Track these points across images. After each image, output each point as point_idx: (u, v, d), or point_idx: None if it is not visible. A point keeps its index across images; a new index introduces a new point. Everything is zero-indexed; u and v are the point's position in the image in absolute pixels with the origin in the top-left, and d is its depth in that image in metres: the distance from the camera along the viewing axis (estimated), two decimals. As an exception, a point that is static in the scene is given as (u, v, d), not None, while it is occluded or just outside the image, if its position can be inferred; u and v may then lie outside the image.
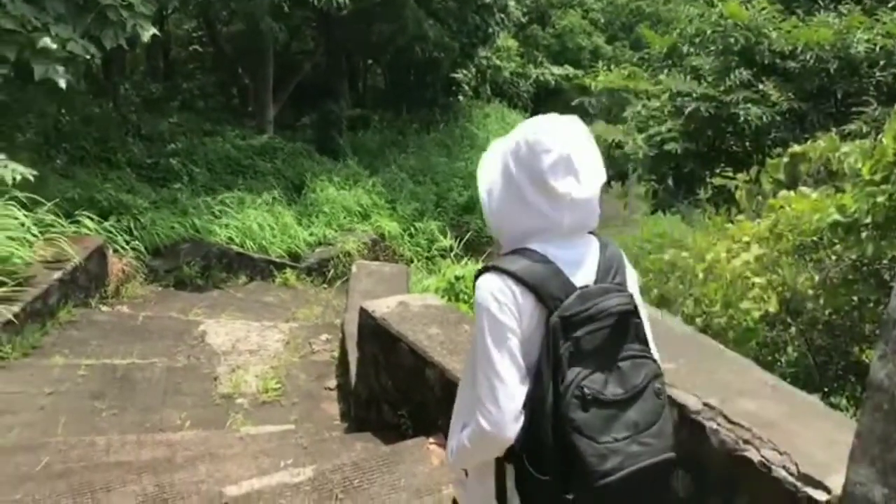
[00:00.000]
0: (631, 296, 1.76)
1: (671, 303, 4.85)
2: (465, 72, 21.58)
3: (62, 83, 6.89)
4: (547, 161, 1.68)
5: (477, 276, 1.74)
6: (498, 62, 23.84)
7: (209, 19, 16.74)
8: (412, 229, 13.53)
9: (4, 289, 5.69)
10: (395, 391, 4.30)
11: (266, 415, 5.11)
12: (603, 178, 1.76)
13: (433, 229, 13.59)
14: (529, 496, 1.71)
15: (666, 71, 11.28)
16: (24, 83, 7.01)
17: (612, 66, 14.60)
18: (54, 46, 6.83)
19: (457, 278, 6.04)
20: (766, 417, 2.44)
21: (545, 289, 1.65)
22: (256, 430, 4.61)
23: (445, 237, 12.58)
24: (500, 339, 1.65)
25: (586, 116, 25.88)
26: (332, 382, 5.75)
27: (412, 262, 12.11)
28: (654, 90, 10.94)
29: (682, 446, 2.55)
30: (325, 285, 10.17)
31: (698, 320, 4.58)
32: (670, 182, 10.40)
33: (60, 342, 6.04)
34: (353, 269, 7.98)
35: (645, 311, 1.84)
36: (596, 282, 1.74)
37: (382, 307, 4.47)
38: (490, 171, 1.82)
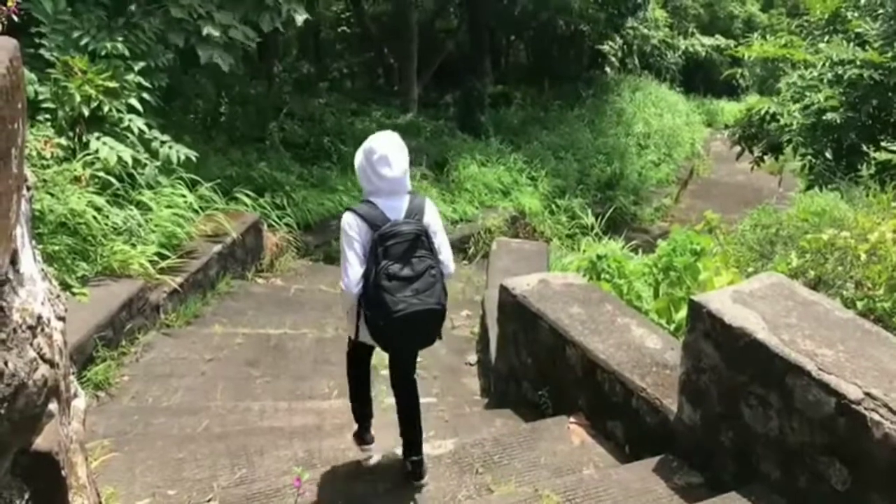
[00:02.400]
0: (422, 225, 3.20)
1: (829, 285, 4.58)
2: (611, 43, 21.02)
3: (225, 67, 7.31)
4: (374, 158, 3.22)
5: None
6: (645, 31, 23.03)
7: None
8: (553, 206, 13.39)
9: (169, 261, 6.11)
10: (534, 369, 4.30)
11: (409, 387, 5.22)
12: (405, 167, 3.26)
13: (574, 206, 13.40)
14: (367, 323, 3.20)
15: (826, 38, 10.53)
16: (186, 69, 7.44)
17: (767, 35, 13.82)
18: (217, 33, 7.22)
19: (599, 257, 5.92)
20: (935, 411, 2.27)
21: (372, 220, 3.16)
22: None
23: (587, 214, 12.39)
24: (350, 244, 3.17)
25: (737, 88, 24.70)
26: (473, 358, 5.81)
27: (552, 239, 12.00)
28: (812, 59, 10.25)
29: (839, 437, 2.43)
30: (465, 261, 10.27)
31: (859, 304, 4.30)
32: (828, 155, 9.72)
33: (219, 312, 6.42)
34: (494, 246, 8.01)
35: (442, 233, 3.36)
36: (403, 218, 3.19)
37: (523, 285, 4.46)
38: (357, 160, 3.33)
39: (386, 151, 3.20)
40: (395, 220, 3.17)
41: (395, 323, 3.08)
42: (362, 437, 3.78)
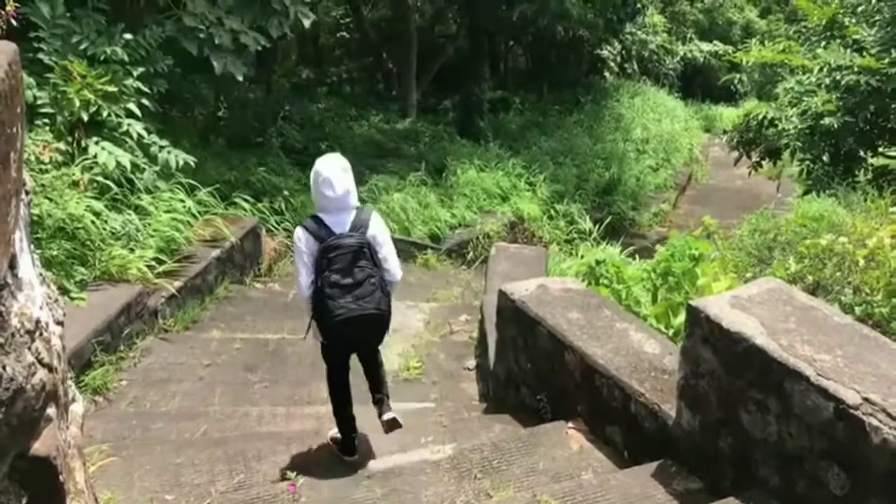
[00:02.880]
0: (364, 238, 3.54)
1: (828, 290, 4.58)
2: (609, 49, 21.06)
3: (239, 76, 7.37)
4: (319, 180, 3.57)
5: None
6: (643, 36, 23.08)
7: (356, 4, 17.16)
8: (551, 211, 13.41)
9: (168, 265, 6.10)
10: (533, 374, 4.29)
11: (407, 392, 5.23)
12: (347, 188, 3.59)
13: (573, 212, 13.42)
14: (317, 325, 3.62)
15: (824, 44, 10.55)
16: (185, 74, 7.46)
17: (766, 41, 13.85)
18: (228, 40, 7.25)
19: (597, 262, 5.92)
20: (933, 416, 2.26)
21: (317, 234, 3.52)
22: (398, 407, 4.73)
23: (585, 220, 12.40)
24: (300, 256, 3.55)
25: (735, 94, 24.69)
26: (471, 363, 5.81)
27: (550, 244, 12.01)
28: (810, 65, 10.26)
29: (837, 442, 2.43)
30: (464, 266, 10.27)
31: (857, 309, 4.31)
32: (826, 160, 9.73)
33: (218, 316, 6.42)
34: (492, 251, 8.02)
35: (388, 244, 3.68)
36: (347, 232, 3.53)
37: (521, 290, 4.46)
38: (311, 180, 3.71)
39: (329, 175, 3.56)
40: (340, 233, 3.53)
41: (336, 326, 3.51)
42: (344, 444, 3.80)
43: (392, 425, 3.72)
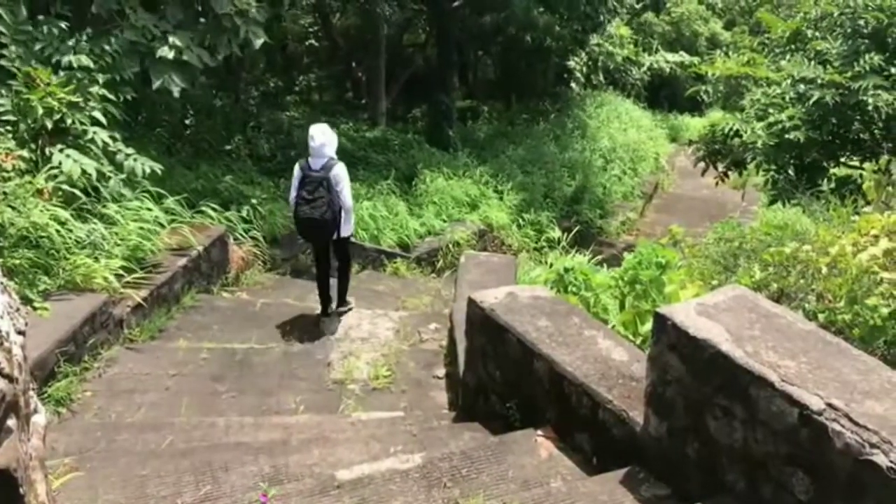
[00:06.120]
0: (327, 175, 6.11)
1: (791, 298, 4.65)
2: (576, 59, 21.25)
3: (176, 92, 7.31)
4: (308, 135, 6.22)
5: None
6: (610, 48, 23.32)
7: (324, 13, 17.13)
8: (520, 220, 13.48)
9: (134, 275, 6.03)
10: (502, 382, 4.30)
11: (376, 401, 5.21)
12: (322, 142, 6.17)
13: (541, 220, 13.49)
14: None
15: (788, 56, 10.73)
16: (149, 81, 7.40)
17: (731, 53, 14.06)
18: (171, 56, 7.19)
19: (566, 270, 5.96)
20: (895, 421, 2.30)
21: (302, 167, 6.22)
22: (367, 416, 4.72)
23: (553, 228, 12.46)
24: (293, 179, 6.30)
25: (701, 104, 25.03)
26: (441, 371, 5.80)
27: (520, 253, 12.07)
28: (774, 77, 10.42)
29: (801, 447, 2.46)
30: (433, 275, 10.27)
31: (821, 316, 4.36)
32: (791, 172, 9.90)
33: (184, 326, 6.35)
34: (462, 259, 8.02)
35: (343, 182, 6.23)
36: (318, 169, 6.14)
37: (491, 298, 4.47)
38: None
39: (313, 132, 6.21)
40: (314, 169, 6.17)
41: (298, 221, 6.29)
42: (321, 308, 6.87)
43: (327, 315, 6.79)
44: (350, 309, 6.99)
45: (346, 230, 6.50)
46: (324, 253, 6.69)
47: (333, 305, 6.84)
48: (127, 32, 7.11)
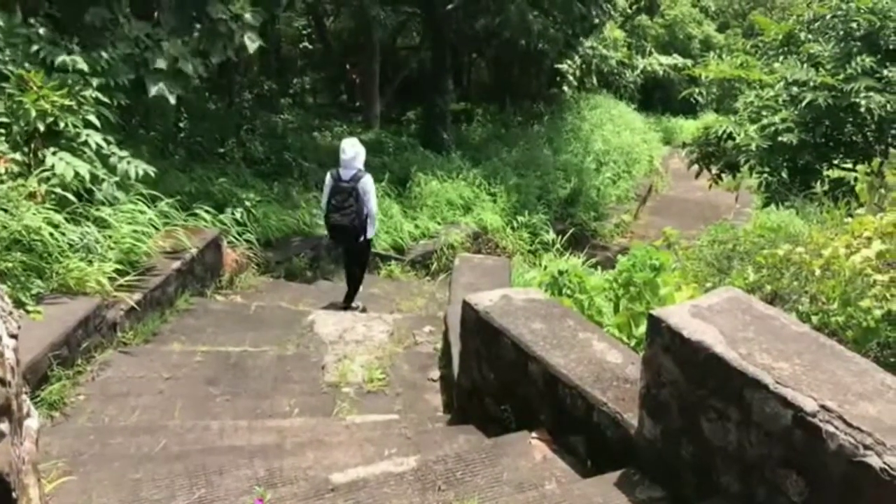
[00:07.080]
0: (355, 185, 7.13)
1: (785, 300, 4.65)
2: (570, 62, 21.27)
3: (172, 100, 7.32)
4: (340, 147, 7.26)
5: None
6: (604, 51, 23.36)
7: (318, 16, 17.12)
8: (514, 222, 13.49)
9: (128, 278, 6.01)
10: (497, 384, 4.30)
11: (371, 404, 5.21)
12: (352, 155, 7.16)
13: (535, 223, 13.50)
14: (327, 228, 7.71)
15: (781, 59, 10.78)
16: (143, 86, 7.38)
17: (724, 55, 14.09)
18: (164, 66, 7.19)
19: (560, 272, 5.96)
20: (888, 422, 2.31)
21: (333, 177, 7.25)
22: (361, 419, 4.71)
23: (548, 231, 12.47)
24: (325, 188, 7.40)
25: (695, 106, 25.09)
26: (435, 374, 5.80)
27: (514, 255, 12.07)
28: (767, 79, 10.46)
29: (795, 449, 2.47)
30: (428, 277, 10.27)
31: (814, 318, 4.37)
32: (784, 174, 9.93)
33: (178, 329, 6.34)
34: (456, 261, 8.02)
35: (370, 194, 7.28)
36: (347, 180, 7.15)
37: (485, 300, 4.46)
38: None
39: (344, 146, 7.16)
40: (344, 180, 7.13)
41: (330, 227, 7.41)
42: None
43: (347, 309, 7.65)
44: (358, 309, 7.74)
45: (370, 232, 7.49)
46: (351, 252, 7.77)
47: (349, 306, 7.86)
48: (120, 44, 7.09)
